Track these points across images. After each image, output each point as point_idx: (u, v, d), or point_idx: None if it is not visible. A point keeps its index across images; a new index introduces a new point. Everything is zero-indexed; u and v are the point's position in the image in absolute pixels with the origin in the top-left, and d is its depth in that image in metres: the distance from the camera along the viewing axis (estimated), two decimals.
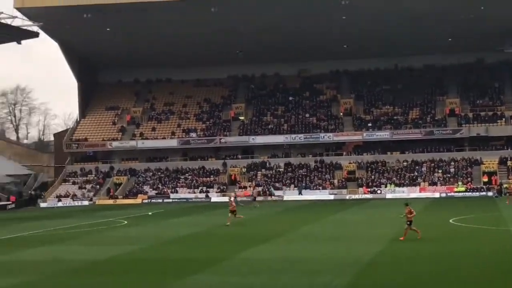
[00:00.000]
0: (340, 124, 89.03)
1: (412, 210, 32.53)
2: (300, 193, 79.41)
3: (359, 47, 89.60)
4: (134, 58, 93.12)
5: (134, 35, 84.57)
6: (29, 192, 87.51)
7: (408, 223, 32.43)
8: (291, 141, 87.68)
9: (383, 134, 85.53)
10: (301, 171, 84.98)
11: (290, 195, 79.14)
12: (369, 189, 78.56)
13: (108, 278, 24.71)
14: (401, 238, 32.10)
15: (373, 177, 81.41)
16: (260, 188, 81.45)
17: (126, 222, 47.85)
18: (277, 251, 30.47)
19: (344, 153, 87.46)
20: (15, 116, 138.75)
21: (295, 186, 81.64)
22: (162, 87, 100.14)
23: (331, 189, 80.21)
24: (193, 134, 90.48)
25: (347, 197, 77.06)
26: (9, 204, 77.07)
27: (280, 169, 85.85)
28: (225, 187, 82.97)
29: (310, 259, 27.39)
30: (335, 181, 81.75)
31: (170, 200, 79.99)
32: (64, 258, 30.42)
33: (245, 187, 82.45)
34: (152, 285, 22.97)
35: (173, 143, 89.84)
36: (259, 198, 77.69)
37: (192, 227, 44.12)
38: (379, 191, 77.88)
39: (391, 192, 77.43)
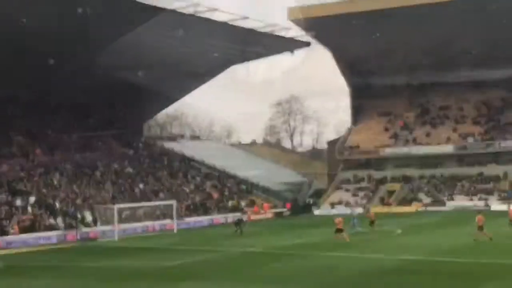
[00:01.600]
0: None
1: None
2: None
3: None
4: (406, 61, 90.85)
5: (404, 38, 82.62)
6: (305, 199, 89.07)
7: None
8: None
9: None
10: None
11: None
12: None
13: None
14: None
15: None
16: None
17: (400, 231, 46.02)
18: None
19: None
20: (289, 125, 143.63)
21: None
22: (436, 90, 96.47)
23: None
24: (470, 139, 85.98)
25: None
26: (285, 211, 78.89)
27: None
28: (506, 194, 77.45)
29: None
30: None
31: (447, 208, 76.41)
32: (339, 266, 29.59)
33: None
34: None
35: (448, 148, 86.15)
36: None
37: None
38: None
39: None
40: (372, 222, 47.87)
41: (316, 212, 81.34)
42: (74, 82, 72.97)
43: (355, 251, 35.99)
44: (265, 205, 78.09)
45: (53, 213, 54.93)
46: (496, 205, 74.80)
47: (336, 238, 40.01)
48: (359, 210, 56.61)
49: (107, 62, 67.41)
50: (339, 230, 40.42)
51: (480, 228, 37.89)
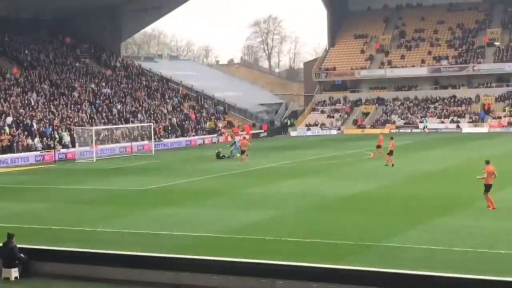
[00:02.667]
0: None
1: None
2: None
3: None
4: None
5: None
6: (281, 120, 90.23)
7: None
8: None
9: None
10: None
11: None
12: None
13: (355, 215, 24.42)
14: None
15: None
16: None
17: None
18: None
19: None
20: (267, 45, 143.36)
21: None
22: (412, 13, 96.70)
23: None
24: (444, 62, 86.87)
25: None
26: (261, 132, 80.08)
27: None
28: (477, 117, 79.08)
29: None
30: None
31: (419, 130, 78.02)
32: (312, 192, 30.74)
33: (499, 117, 77.93)
34: (398, 224, 22.27)
35: (423, 71, 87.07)
36: None
37: (442, 161, 42.55)
38: None
39: None
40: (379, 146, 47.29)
41: (293, 133, 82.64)
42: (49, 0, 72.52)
43: (328, 175, 37.36)
44: (246, 126, 79.19)
45: (31, 133, 55.48)
46: (467, 128, 76.49)
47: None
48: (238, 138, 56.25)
49: None
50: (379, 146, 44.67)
51: (391, 152, 39.91)
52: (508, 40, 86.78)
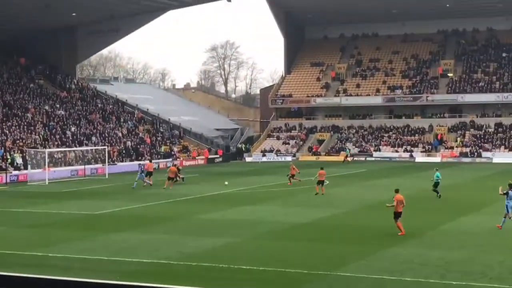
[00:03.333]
0: None
1: None
2: None
3: None
4: (340, 12, 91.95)
5: None
6: (236, 146, 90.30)
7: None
8: (503, 100, 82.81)
9: None
10: None
11: (500, 157, 74.89)
12: None
13: (308, 243, 24.48)
14: None
15: None
16: (468, 149, 78.00)
17: (328, 182, 47.55)
18: (483, 223, 28.63)
19: None
20: (224, 70, 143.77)
21: (505, 148, 77.20)
22: (368, 42, 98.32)
23: None
24: (399, 91, 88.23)
25: None
26: (216, 158, 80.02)
27: (490, 129, 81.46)
28: (430, 147, 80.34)
29: None
30: None
31: (373, 159, 78.88)
32: (266, 219, 30.72)
33: (451, 148, 79.30)
34: (351, 254, 22.38)
35: (377, 100, 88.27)
36: (466, 160, 74.69)
37: None
38: None
39: None
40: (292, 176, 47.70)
41: (248, 159, 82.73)
42: (5, 21, 71.74)
43: (282, 203, 37.43)
44: (205, 151, 79.34)
45: None
46: (420, 157, 77.60)
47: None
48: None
49: (39, 2, 66.36)
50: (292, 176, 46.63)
51: (321, 182, 40.34)
52: (461, 72, 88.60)
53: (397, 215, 25.69)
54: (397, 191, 26.54)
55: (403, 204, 25.76)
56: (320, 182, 40.25)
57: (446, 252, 22.66)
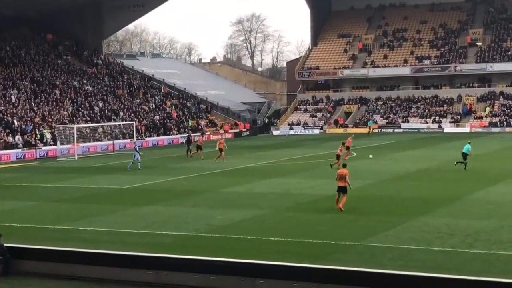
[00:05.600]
0: None
1: None
2: None
3: None
4: None
5: None
6: (264, 119, 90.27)
7: None
8: None
9: None
10: None
11: None
12: None
13: (335, 215, 24.47)
14: None
15: None
16: (497, 119, 77.12)
17: (355, 154, 47.41)
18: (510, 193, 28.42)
19: None
20: (250, 43, 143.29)
21: None
22: (395, 12, 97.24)
23: None
24: (427, 62, 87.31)
25: None
26: (244, 131, 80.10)
27: None
28: (459, 117, 79.56)
29: None
30: None
31: (401, 130, 78.39)
32: (293, 192, 30.77)
33: (480, 117, 78.46)
34: (379, 224, 22.36)
35: (405, 71, 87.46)
36: (495, 129, 73.91)
37: (424, 162, 42.72)
38: None
39: None
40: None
41: (275, 132, 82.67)
42: None
43: (309, 175, 37.45)
44: (241, 124, 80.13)
45: (12, 131, 55.13)
46: (449, 128, 76.92)
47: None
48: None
49: None
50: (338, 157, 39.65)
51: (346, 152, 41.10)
52: (489, 41, 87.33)
53: (339, 188, 25.07)
54: (344, 166, 26.02)
55: (344, 179, 24.90)
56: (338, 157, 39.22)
57: (474, 222, 22.56)
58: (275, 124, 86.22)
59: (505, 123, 76.03)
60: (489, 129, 74.86)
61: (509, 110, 78.50)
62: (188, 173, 39.06)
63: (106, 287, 16.72)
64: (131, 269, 16.85)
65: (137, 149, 43.38)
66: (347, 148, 43.84)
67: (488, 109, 79.52)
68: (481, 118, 78.49)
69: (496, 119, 77.29)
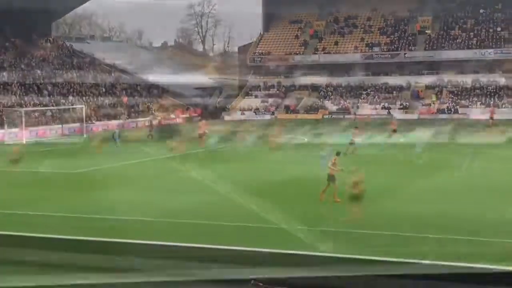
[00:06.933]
0: None
1: None
2: None
3: None
4: None
5: None
6: (215, 105, 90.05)
7: None
8: (480, 56, 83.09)
9: None
10: (490, 88, 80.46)
11: (476, 114, 75.28)
12: None
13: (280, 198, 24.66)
14: None
15: None
16: (445, 106, 78.45)
17: (306, 139, 47.78)
18: None
19: None
20: (201, 28, 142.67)
21: (481, 104, 77.69)
22: None
23: None
24: (377, 49, 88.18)
25: None
26: (195, 117, 79.78)
27: (467, 86, 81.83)
28: (408, 104, 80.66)
29: None
30: None
31: (351, 116, 79.00)
32: (246, 177, 30.87)
33: (428, 105, 79.68)
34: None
35: (356, 57, 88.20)
36: (443, 116, 75.11)
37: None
38: None
39: None
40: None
41: (227, 118, 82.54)
42: None
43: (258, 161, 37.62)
44: (198, 110, 79.84)
45: None
46: (398, 114, 77.82)
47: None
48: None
49: None
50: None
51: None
52: (438, 29, 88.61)
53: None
54: (338, 154, 25.78)
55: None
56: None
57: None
58: (226, 109, 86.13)
59: (452, 110, 77.34)
60: (437, 116, 76.00)
61: (456, 98, 79.89)
62: (140, 157, 38.80)
63: (54, 272, 16.52)
64: (82, 253, 16.66)
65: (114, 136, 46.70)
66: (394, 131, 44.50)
67: (434, 96, 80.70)
68: (429, 105, 79.67)
69: (444, 106, 78.55)
